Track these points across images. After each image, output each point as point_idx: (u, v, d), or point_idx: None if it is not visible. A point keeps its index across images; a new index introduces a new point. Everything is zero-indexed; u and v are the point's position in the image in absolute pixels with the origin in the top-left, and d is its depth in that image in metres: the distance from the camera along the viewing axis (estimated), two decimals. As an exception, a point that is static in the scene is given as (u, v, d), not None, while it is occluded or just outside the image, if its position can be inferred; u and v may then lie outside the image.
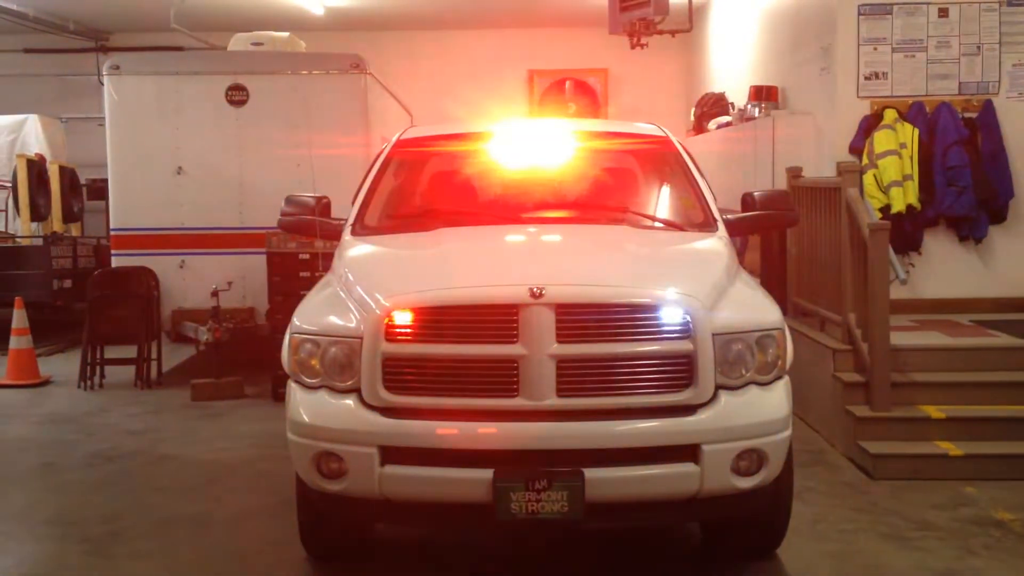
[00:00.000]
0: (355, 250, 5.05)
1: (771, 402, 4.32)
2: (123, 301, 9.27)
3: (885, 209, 8.20)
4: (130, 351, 9.29)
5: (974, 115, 8.44)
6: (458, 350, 4.14)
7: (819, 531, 5.33)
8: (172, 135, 9.53)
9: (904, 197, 8.19)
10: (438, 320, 4.18)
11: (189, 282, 9.55)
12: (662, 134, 5.98)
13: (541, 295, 4.07)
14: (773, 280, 8.78)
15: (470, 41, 15.99)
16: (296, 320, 4.48)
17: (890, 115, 8.35)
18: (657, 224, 5.38)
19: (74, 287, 11.47)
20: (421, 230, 5.19)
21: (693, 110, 13.34)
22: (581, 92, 16.14)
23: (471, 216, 5.34)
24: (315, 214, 5.61)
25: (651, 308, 4.16)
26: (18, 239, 12.11)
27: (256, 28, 11.31)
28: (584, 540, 5.06)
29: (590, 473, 4.05)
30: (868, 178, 8.25)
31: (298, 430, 4.30)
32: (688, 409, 4.16)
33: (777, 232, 8.49)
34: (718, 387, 4.22)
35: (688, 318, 4.14)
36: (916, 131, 8.30)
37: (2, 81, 15.68)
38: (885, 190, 8.22)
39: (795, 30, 9.96)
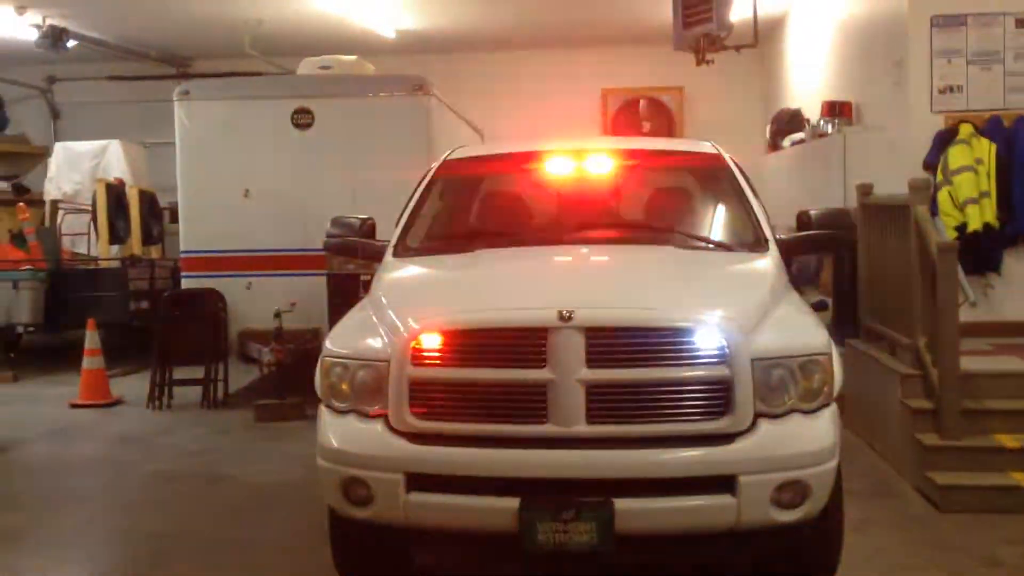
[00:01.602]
0: (390, 272, 5.00)
1: (815, 431, 4.12)
2: (191, 322, 9.39)
3: (961, 228, 7.88)
4: (198, 371, 9.40)
5: (1055, 129, 8.08)
6: (485, 375, 4.03)
7: (877, 566, 5.08)
8: (240, 159, 9.64)
9: (981, 215, 7.85)
10: (465, 344, 4.08)
11: (256, 303, 9.62)
12: (715, 152, 5.82)
13: (570, 318, 3.95)
14: (845, 302, 8.52)
15: (543, 61, 15.90)
16: (328, 343, 4.44)
17: (965, 130, 8.03)
18: (704, 244, 5.21)
19: (151, 308, 11.66)
20: (462, 251, 5.11)
21: (768, 127, 13.09)
22: (655, 111, 15.99)
23: (513, 237, 5.24)
24: (360, 236, 5.60)
25: (685, 332, 4.00)
26: (98, 262, 12.40)
27: (329, 52, 11.42)
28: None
29: (620, 504, 3.90)
30: (943, 195, 7.95)
31: (326, 455, 4.24)
32: (725, 438, 3.98)
33: (849, 252, 8.24)
34: (758, 415, 4.03)
35: (725, 343, 3.97)
36: (993, 146, 7.97)
37: (88, 108, 16.16)
38: (961, 208, 7.90)
39: (867, 43, 9.68)
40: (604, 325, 4.00)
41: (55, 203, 13.68)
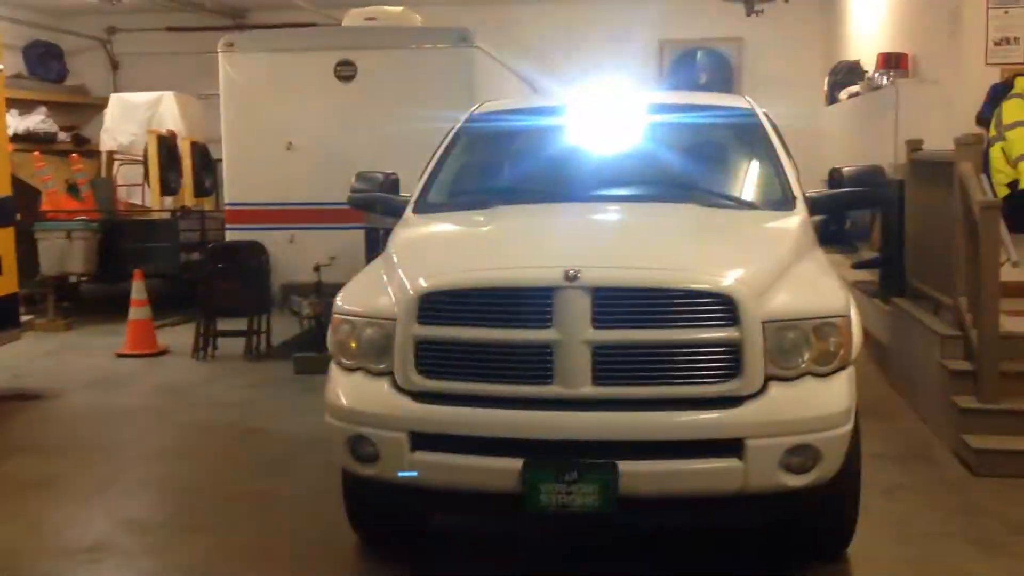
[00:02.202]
0: (405, 229, 4.96)
1: (829, 395, 4.01)
2: (235, 275, 9.47)
3: (1013, 184, 7.60)
4: (242, 323, 9.50)
5: (1116, 80, 7.72)
6: (490, 334, 3.99)
7: (903, 533, 4.97)
8: (283, 111, 9.64)
9: (1034, 172, 7.56)
10: (470, 303, 4.03)
11: (299, 256, 9.65)
12: (747, 107, 5.67)
13: (576, 278, 3.88)
14: (892, 260, 8.31)
15: (599, 10, 15.61)
16: (338, 300, 4.43)
17: (1021, 83, 7.69)
18: (727, 202, 5.08)
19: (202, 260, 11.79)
20: (481, 208, 5.05)
21: (827, 79, 12.77)
22: (713, 63, 15.67)
23: (532, 193, 5.16)
24: (383, 191, 5.58)
25: (693, 293, 3.91)
26: (150, 213, 12.56)
27: (379, 3, 11.32)
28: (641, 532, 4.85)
29: (624, 466, 3.85)
30: (995, 151, 7.65)
31: (333, 412, 4.25)
32: (733, 401, 3.90)
33: (897, 209, 8.03)
34: (769, 378, 3.94)
35: (734, 304, 3.87)
36: (1051, 100, 7.65)
37: (147, 59, 16.30)
38: (1014, 164, 7.61)
39: (925, -8, 9.36)
40: (610, 285, 3.93)
41: (111, 154, 13.88)
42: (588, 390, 3.91)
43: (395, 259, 4.49)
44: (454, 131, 5.73)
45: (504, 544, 4.85)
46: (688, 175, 5.32)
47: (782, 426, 3.90)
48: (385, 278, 4.40)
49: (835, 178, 5.29)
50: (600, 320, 3.89)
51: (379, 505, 4.56)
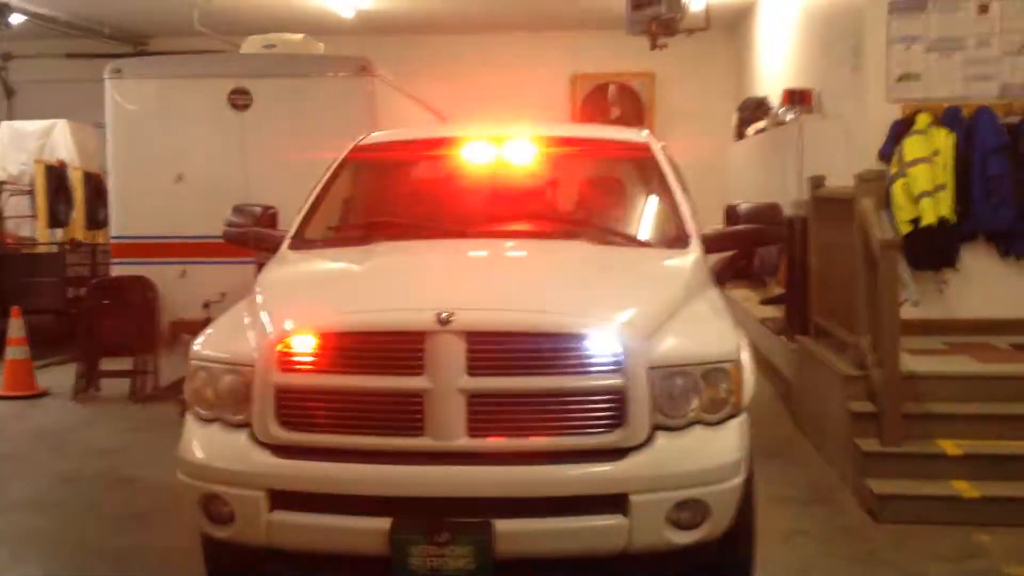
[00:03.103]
0: (273, 267, 4.64)
1: (718, 445, 3.78)
2: (119, 311, 9.00)
3: (916, 221, 7.53)
4: (128, 363, 9.02)
5: (1016, 120, 7.71)
6: (356, 382, 3.68)
7: (800, 584, 4.76)
8: (174, 141, 9.21)
9: (936, 208, 7.50)
10: (335, 348, 3.72)
11: (190, 292, 9.21)
12: (643, 141, 5.47)
13: (448, 321, 3.60)
14: (796, 297, 8.20)
15: (511, 44, 15.45)
16: (195, 344, 4.08)
17: (923, 120, 7.67)
18: (619, 240, 4.85)
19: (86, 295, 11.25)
20: (360, 244, 4.76)
21: (735, 115, 12.75)
22: (625, 96, 15.60)
23: (416, 230, 4.87)
24: (260, 225, 5.25)
25: (574, 338, 3.65)
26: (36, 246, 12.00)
27: (286, 31, 10.97)
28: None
29: (501, 525, 3.56)
30: (897, 187, 7.59)
31: (184, 468, 3.88)
32: (618, 453, 3.64)
33: (800, 246, 7.92)
34: (656, 427, 3.70)
35: (618, 349, 3.63)
36: (952, 137, 7.61)
37: (44, 86, 15.65)
38: (916, 200, 7.55)
39: (828, 28, 9.34)
40: (485, 329, 3.65)
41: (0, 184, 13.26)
42: (462, 442, 3.62)
43: (259, 300, 4.16)
44: (336, 162, 5.43)
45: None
46: (579, 211, 5.10)
47: (668, 480, 3.66)
48: (247, 320, 4.07)
49: (731, 215, 5.11)
50: (475, 367, 3.61)
51: (238, 570, 4.19)
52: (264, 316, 3.92)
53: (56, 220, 12.09)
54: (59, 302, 11.01)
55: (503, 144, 5.30)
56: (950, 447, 5.83)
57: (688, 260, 4.63)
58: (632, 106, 15.61)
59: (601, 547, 3.62)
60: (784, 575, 4.78)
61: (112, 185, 9.48)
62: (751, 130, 11.44)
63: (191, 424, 3.96)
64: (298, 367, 3.72)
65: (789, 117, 9.43)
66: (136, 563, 5.04)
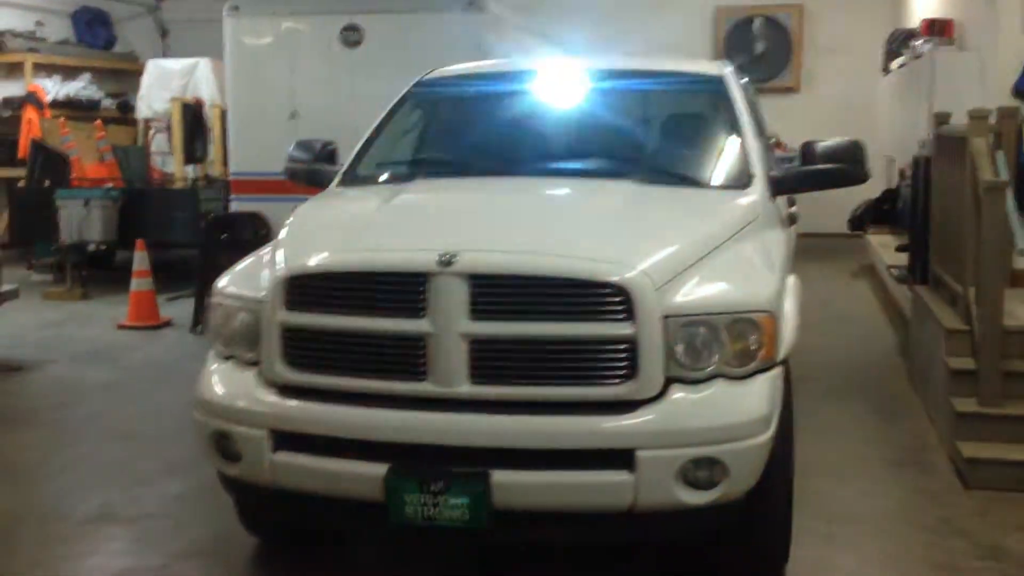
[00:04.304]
0: (311, 204, 4.57)
1: (741, 400, 3.52)
2: (234, 247, 9.18)
3: (1049, 165, 6.88)
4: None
5: None
6: (360, 323, 3.58)
7: (851, 556, 4.43)
8: (288, 78, 9.28)
9: (1070, 150, 6.84)
10: (339, 288, 3.63)
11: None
12: (716, 73, 5.12)
13: (451, 262, 3.45)
14: (918, 244, 7.66)
15: (652, -25, 14.97)
16: (219, 281, 4.07)
17: (1062, 51, 6.97)
18: (670, 180, 4.55)
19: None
20: (405, 182, 4.64)
21: (883, 48, 12.00)
22: (771, 30, 14.90)
23: (462, 167, 4.73)
24: (319, 160, 5.20)
25: (580, 282, 3.45)
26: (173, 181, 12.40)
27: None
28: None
29: (498, 476, 3.42)
30: (1031, 127, 6.94)
31: (197, 404, 3.89)
32: (627, 406, 3.43)
33: (922, 190, 7.38)
34: (671, 379, 3.47)
35: (629, 296, 3.40)
36: (1095, 70, 6.91)
37: (196, 25, 16.04)
38: (1049, 142, 6.89)
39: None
40: (488, 271, 3.48)
41: (147, 121, 13.77)
42: (465, 389, 3.49)
43: (283, 235, 4.10)
44: (398, 98, 5.31)
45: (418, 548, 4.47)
46: (634, 149, 4.83)
47: (681, 436, 3.43)
48: (267, 258, 4.02)
49: (808, 153, 4.74)
50: (478, 311, 3.45)
51: (255, 509, 4.19)
52: (279, 253, 3.87)
53: (192, 157, 12.43)
54: (192, 236, 11.33)
55: (566, 80, 5.06)
56: (1055, 410, 5.32)
57: (744, 201, 4.32)
58: (779, 40, 14.91)
59: (604, 504, 3.44)
60: (849, 539, 4.46)
61: (230, 122, 9.67)
62: (895, 64, 10.73)
63: (210, 361, 3.97)
64: (303, 306, 3.64)
65: (926, 50, 8.76)
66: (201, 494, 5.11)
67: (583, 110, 5.04)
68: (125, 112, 15.27)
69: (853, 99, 13.99)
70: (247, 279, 3.96)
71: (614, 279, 3.41)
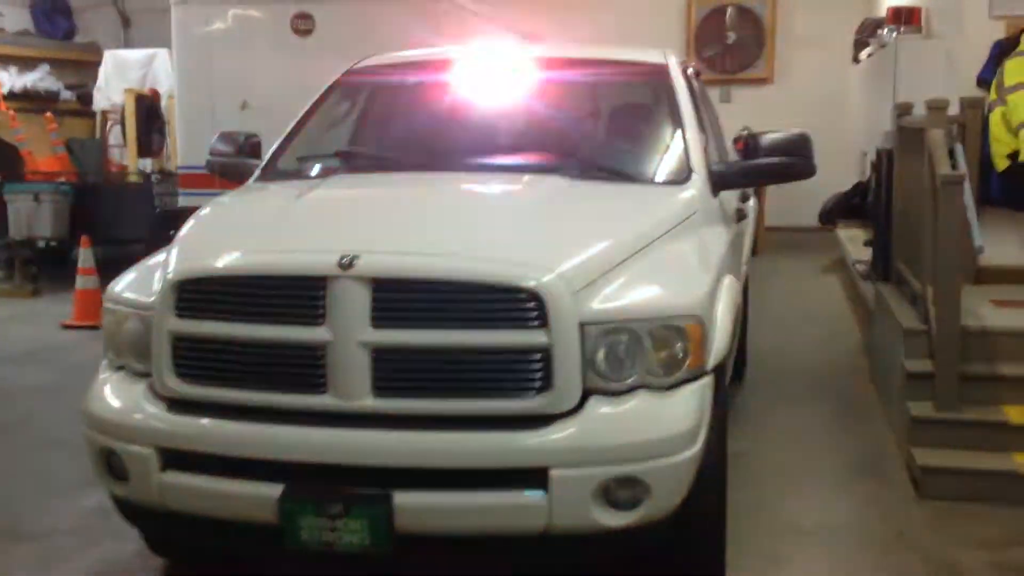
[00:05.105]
0: (212, 202, 4.28)
1: (664, 413, 3.26)
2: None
3: (1014, 155, 6.64)
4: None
5: None
6: (254, 332, 3.31)
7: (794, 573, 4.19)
8: (238, 68, 9.03)
9: (1037, 141, 6.59)
10: (234, 293, 3.35)
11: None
12: (659, 62, 4.85)
13: (351, 265, 3.18)
14: (881, 241, 7.43)
15: (623, -38, 14.65)
16: (111, 285, 3.79)
17: (1028, 39, 6.73)
18: (602, 175, 4.28)
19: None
20: (322, 177, 4.37)
21: (853, 38, 11.75)
22: (743, 20, 14.61)
23: (379, 161, 4.46)
24: (242, 154, 4.92)
25: (489, 287, 3.18)
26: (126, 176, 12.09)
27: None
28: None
29: (401, 498, 3.15)
30: (995, 117, 6.70)
31: (85, 418, 3.61)
32: (541, 420, 3.17)
33: (884, 183, 7.14)
34: (590, 391, 3.21)
35: (543, 301, 3.13)
36: (1063, 59, 6.66)
37: (159, 15, 15.66)
38: (1015, 132, 6.64)
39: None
40: (390, 275, 3.21)
41: (104, 113, 13.44)
42: (368, 403, 3.22)
43: (178, 236, 3.83)
44: (325, 88, 5.04)
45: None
46: (567, 142, 4.56)
47: (597, 453, 3.17)
48: (163, 260, 3.74)
49: (751, 146, 4.48)
50: (381, 318, 3.18)
51: (147, 530, 3.91)
52: (171, 255, 3.59)
53: (147, 150, 12.12)
54: (144, 231, 11.01)
55: (501, 68, 4.79)
56: (1016, 415, 5.09)
57: (681, 197, 4.06)
58: (751, 30, 14.63)
59: (516, 527, 3.18)
60: (782, 558, 4.22)
61: (178, 114, 9.39)
62: (864, 54, 10.49)
63: (100, 372, 3.69)
64: (194, 312, 3.37)
65: (891, 39, 8.51)
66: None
67: (517, 101, 4.77)
68: (86, 104, 14.93)
69: (827, 90, 13.73)
70: (140, 283, 3.69)
71: (525, 283, 3.15)
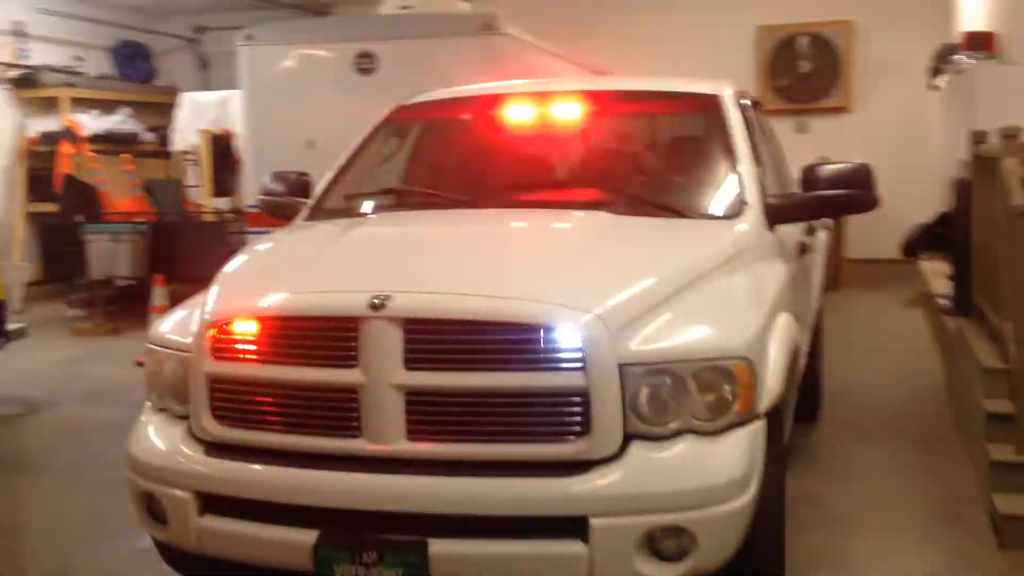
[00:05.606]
0: (256, 242, 4.26)
1: (713, 460, 3.10)
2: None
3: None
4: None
5: None
6: (288, 373, 3.25)
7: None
8: (304, 107, 9.07)
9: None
10: (268, 334, 3.30)
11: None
12: (712, 93, 4.72)
13: (383, 305, 3.10)
14: (961, 274, 7.14)
15: (686, -6, 14.52)
16: (156, 325, 3.77)
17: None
18: (651, 209, 4.13)
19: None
20: (365, 215, 4.33)
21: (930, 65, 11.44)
22: (816, 49, 14.35)
23: (424, 198, 4.40)
24: (291, 194, 4.91)
25: (523, 327, 3.07)
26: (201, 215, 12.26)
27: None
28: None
29: (436, 546, 3.05)
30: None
31: (127, 462, 3.59)
32: (581, 466, 3.04)
33: (963, 215, 6.87)
34: (632, 436, 3.08)
35: (578, 341, 3.02)
36: None
37: (232, 58, 16.07)
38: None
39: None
40: (421, 316, 3.12)
41: (181, 154, 13.68)
42: (402, 447, 3.13)
43: (218, 277, 3.80)
44: (374, 126, 5.01)
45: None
46: (615, 176, 4.43)
47: (640, 501, 3.02)
48: (203, 300, 3.71)
49: (809, 178, 4.32)
50: (414, 359, 3.10)
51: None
52: (210, 295, 3.56)
53: (221, 189, 12.29)
54: (216, 270, 11.11)
55: (551, 103, 4.71)
56: (1104, 460, 4.80)
57: (732, 232, 3.92)
58: (825, 58, 14.36)
59: (555, 578, 3.05)
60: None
61: (247, 153, 9.47)
62: (941, 81, 10.19)
63: (143, 414, 3.67)
64: (230, 354, 3.32)
65: (968, 65, 8.24)
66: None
67: (565, 136, 4.68)
68: (165, 145, 15.23)
69: (908, 118, 13.45)
70: (182, 323, 3.66)
71: (560, 323, 3.03)
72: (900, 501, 5.28)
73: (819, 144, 12.42)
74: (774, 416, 3.36)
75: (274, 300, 3.35)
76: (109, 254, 10.97)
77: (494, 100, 4.89)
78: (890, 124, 13.90)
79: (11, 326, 8.01)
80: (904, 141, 13.69)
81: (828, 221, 6.33)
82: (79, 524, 5.30)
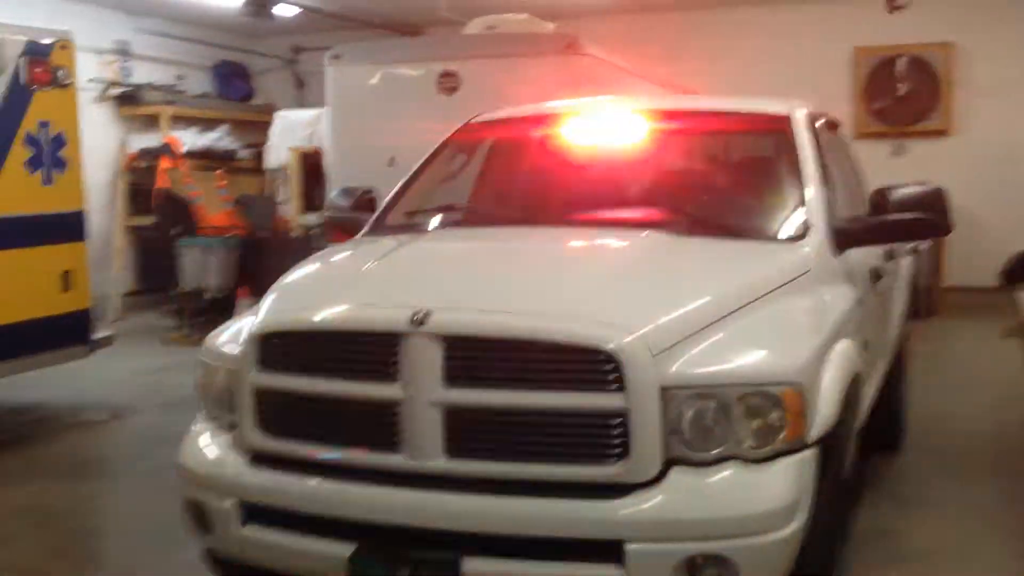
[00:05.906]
0: (311, 257, 4.30)
1: (757, 488, 3.02)
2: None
3: None
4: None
5: None
6: (330, 387, 3.27)
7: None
8: (387, 125, 9.17)
9: None
10: (312, 347, 3.33)
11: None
12: (781, 113, 4.61)
13: (423, 322, 3.09)
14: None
15: (786, 16, 14.27)
16: (209, 336, 3.83)
17: None
18: (711, 231, 4.05)
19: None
20: (423, 231, 4.35)
21: (1032, 87, 11.08)
22: (915, 71, 13.99)
23: (480, 217, 4.40)
24: (356, 210, 4.96)
25: (564, 347, 3.03)
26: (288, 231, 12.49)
27: (539, 13, 10.64)
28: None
29: (470, 564, 3.03)
30: None
31: (177, 469, 3.64)
32: (619, 489, 2.99)
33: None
34: (674, 460, 3.01)
35: (620, 363, 2.96)
36: None
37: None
38: None
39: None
40: (462, 333, 3.10)
41: (274, 171, 13.96)
42: (440, 464, 3.12)
43: (272, 289, 3.84)
44: (440, 143, 5.03)
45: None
46: (676, 196, 4.36)
47: (679, 527, 2.96)
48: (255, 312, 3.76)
49: (880, 202, 4.20)
50: (453, 376, 3.08)
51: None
52: (261, 308, 3.60)
53: (310, 205, 12.50)
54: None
55: (615, 121, 4.66)
56: None
57: (794, 254, 3.82)
58: (925, 81, 13.99)
59: (589, 604, 2.99)
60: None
61: (331, 169, 9.60)
62: (1042, 104, 9.84)
63: (194, 423, 3.73)
64: (275, 366, 3.36)
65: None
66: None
67: (629, 154, 4.62)
68: (260, 162, 15.57)
69: (1012, 141, 13.04)
70: (234, 335, 3.71)
71: (599, 343, 2.99)
72: (982, 540, 5.06)
73: (917, 167, 12.13)
74: (829, 445, 3.25)
75: (318, 314, 3.38)
76: (200, 266, 11.27)
77: (558, 118, 4.87)
78: (992, 147, 13.48)
79: (98, 334, 8.24)
80: (1007, 165, 13.28)
81: (918, 245, 6.15)
82: (151, 528, 5.40)
